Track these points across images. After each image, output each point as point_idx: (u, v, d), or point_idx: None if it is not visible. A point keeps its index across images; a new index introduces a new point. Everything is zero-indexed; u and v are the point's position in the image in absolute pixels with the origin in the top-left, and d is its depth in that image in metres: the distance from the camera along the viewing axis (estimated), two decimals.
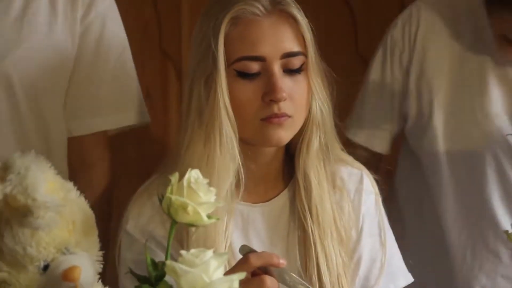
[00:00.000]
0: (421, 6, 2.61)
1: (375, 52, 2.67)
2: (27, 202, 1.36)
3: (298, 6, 1.91)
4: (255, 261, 1.57)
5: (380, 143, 2.66)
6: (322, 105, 1.90)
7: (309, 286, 1.66)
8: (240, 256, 1.70)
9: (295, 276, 1.64)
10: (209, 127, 1.84)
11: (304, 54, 1.87)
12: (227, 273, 1.50)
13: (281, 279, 1.61)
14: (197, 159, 1.82)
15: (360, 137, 2.65)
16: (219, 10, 1.87)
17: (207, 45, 1.84)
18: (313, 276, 1.85)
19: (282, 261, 1.61)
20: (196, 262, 1.25)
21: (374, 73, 2.65)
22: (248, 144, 1.87)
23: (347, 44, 3.28)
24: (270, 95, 1.79)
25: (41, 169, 1.43)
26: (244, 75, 1.83)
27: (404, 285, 2.04)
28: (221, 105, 1.81)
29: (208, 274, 1.24)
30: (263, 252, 1.66)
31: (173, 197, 1.36)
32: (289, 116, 1.82)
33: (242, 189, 1.88)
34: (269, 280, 1.57)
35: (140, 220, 1.88)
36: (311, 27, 1.90)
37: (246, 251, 1.65)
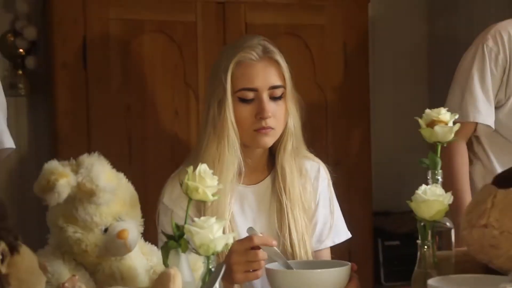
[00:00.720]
0: (501, 25, 2.83)
1: (467, 65, 2.86)
2: (92, 187, 1.62)
3: (281, 54, 2.22)
4: (257, 241, 1.88)
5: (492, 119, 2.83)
6: (294, 121, 2.23)
7: (283, 257, 1.93)
8: (244, 231, 2.02)
9: (275, 249, 1.92)
10: (220, 136, 2.15)
11: (284, 86, 2.19)
12: (235, 242, 1.82)
13: (267, 250, 1.90)
14: (211, 157, 2.13)
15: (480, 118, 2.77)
16: (228, 57, 2.19)
17: (219, 80, 2.15)
18: (286, 234, 2.15)
19: (274, 242, 1.94)
20: (204, 226, 1.54)
21: (476, 74, 2.78)
22: (246, 147, 2.20)
23: (304, 75, 3.46)
24: (260, 114, 2.13)
25: (101, 165, 1.69)
26: (244, 100, 2.15)
27: (344, 239, 2.36)
28: (228, 121, 2.13)
29: (212, 234, 1.53)
30: (263, 236, 1.93)
31: (189, 182, 1.64)
32: (273, 128, 2.15)
33: (243, 176, 2.20)
34: (261, 253, 1.88)
35: (172, 195, 2.16)
36: (289, 69, 2.21)
37: (252, 232, 1.92)
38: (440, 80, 4.19)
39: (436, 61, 4.32)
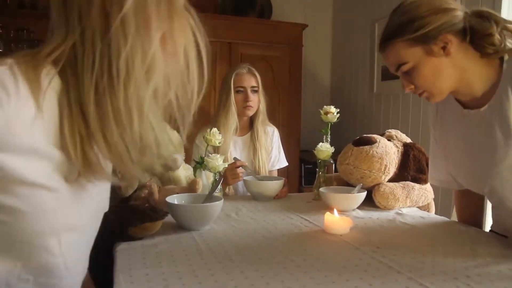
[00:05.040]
0: None
1: None
2: None
3: (256, 71, 2.18)
4: (238, 164, 1.91)
5: None
6: (262, 105, 2.18)
7: (253, 172, 1.93)
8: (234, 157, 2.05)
9: (249, 168, 1.95)
10: (227, 110, 2.11)
11: (258, 87, 2.16)
12: (229, 165, 1.87)
13: (244, 169, 1.93)
14: (222, 121, 2.10)
15: None
16: (231, 71, 2.17)
17: (228, 82, 2.13)
18: (256, 161, 2.16)
19: (246, 164, 1.94)
20: (213, 157, 1.59)
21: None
22: (239, 116, 2.13)
23: (268, 81, 3.17)
24: (246, 99, 2.12)
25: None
26: (238, 92, 2.12)
27: (284, 166, 2.31)
28: (232, 102, 2.10)
29: (217, 162, 1.59)
30: (242, 161, 1.93)
31: (207, 136, 1.71)
32: (252, 106, 2.13)
33: (237, 131, 2.15)
34: (240, 170, 1.91)
35: (199, 141, 2.08)
36: (260, 78, 2.19)
37: (236, 159, 1.94)
38: (338, 81, 4.23)
39: (336, 73, 4.28)
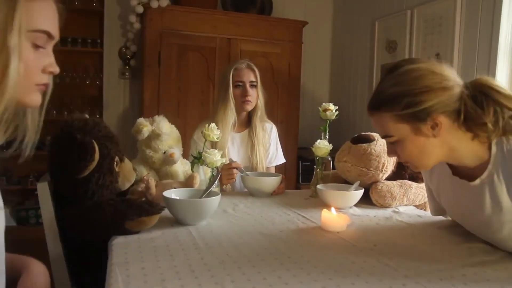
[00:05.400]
0: None
1: None
2: (159, 132, 1.66)
3: (255, 66, 2.14)
4: (234, 165, 1.85)
5: None
6: (261, 100, 2.14)
7: (244, 171, 1.84)
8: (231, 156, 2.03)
9: (244, 172, 1.85)
10: (225, 105, 2.06)
11: (256, 81, 2.11)
12: (224, 165, 1.82)
13: (240, 171, 1.86)
14: (220, 117, 2.05)
15: None
16: (230, 66, 2.12)
17: (226, 77, 2.08)
18: (253, 158, 2.11)
19: (241, 165, 1.88)
20: (211, 153, 1.56)
21: None
22: (237, 111, 2.08)
23: (268, 78, 3.34)
24: (245, 93, 2.06)
25: (164, 120, 1.71)
26: (237, 86, 2.07)
27: (282, 162, 2.28)
28: (230, 96, 2.06)
29: (215, 157, 1.56)
30: (236, 162, 1.88)
31: (205, 131, 1.67)
32: (251, 101, 2.08)
33: (235, 127, 2.11)
34: (234, 170, 1.85)
35: (197, 136, 2.04)
36: (259, 73, 2.14)
37: (231, 160, 1.90)
38: (337, 79, 4.23)
39: (335, 71, 4.28)
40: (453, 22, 2.71)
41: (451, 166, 1.19)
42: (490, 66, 2.45)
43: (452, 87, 1.05)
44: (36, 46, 0.77)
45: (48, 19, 0.78)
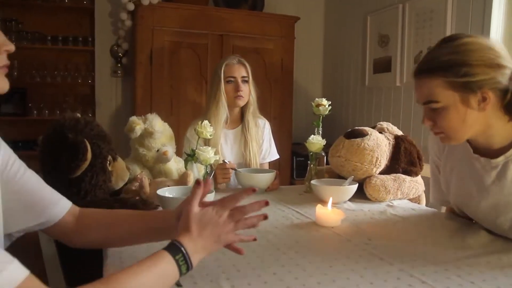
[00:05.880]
0: None
1: None
2: (152, 130, 1.65)
3: (247, 62, 2.14)
4: (228, 166, 1.84)
5: None
6: (253, 96, 2.14)
7: (239, 170, 1.84)
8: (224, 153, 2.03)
9: (239, 171, 1.83)
10: (217, 101, 2.05)
11: (248, 77, 2.11)
12: (218, 165, 1.82)
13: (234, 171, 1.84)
14: (213, 113, 2.05)
15: None
16: (221, 62, 2.12)
17: (218, 73, 2.08)
18: (247, 154, 2.11)
19: (234, 166, 1.87)
20: (204, 150, 1.57)
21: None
22: (230, 107, 2.09)
23: (260, 74, 3.37)
24: (237, 89, 2.06)
25: (156, 118, 1.70)
26: (229, 82, 2.07)
27: (275, 158, 2.28)
28: (222, 92, 2.05)
29: (208, 154, 1.57)
30: (231, 163, 1.86)
31: (198, 128, 1.67)
32: (243, 97, 2.07)
33: (228, 123, 2.11)
34: (230, 170, 1.84)
35: (191, 133, 2.04)
36: (250, 69, 2.14)
37: (227, 161, 1.88)
38: (330, 74, 4.22)
39: (328, 66, 4.28)
40: (445, 16, 2.71)
41: (471, 145, 1.21)
42: None
43: (505, 66, 1.07)
44: None
45: None
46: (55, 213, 0.94)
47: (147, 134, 1.66)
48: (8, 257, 0.62)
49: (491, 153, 1.16)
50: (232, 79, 2.10)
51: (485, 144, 1.17)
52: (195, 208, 0.84)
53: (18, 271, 0.61)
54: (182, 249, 0.77)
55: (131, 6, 3.31)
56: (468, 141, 1.21)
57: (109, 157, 1.38)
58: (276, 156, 2.30)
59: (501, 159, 1.14)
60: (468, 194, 1.25)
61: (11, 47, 0.78)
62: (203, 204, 0.86)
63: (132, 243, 0.96)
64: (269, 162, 2.29)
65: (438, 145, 1.37)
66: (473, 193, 1.22)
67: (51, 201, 0.93)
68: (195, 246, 0.79)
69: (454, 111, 1.10)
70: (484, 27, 2.44)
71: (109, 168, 1.38)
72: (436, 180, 1.42)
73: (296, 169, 3.67)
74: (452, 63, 1.07)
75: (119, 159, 1.47)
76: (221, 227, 0.84)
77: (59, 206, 0.95)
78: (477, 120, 1.10)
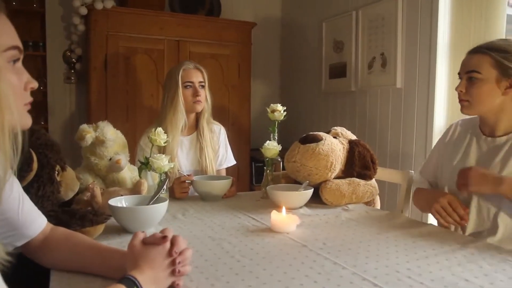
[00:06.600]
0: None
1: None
2: (103, 139, 1.60)
3: (203, 67, 2.13)
4: (183, 179, 1.80)
5: None
6: (209, 101, 2.13)
7: (195, 178, 1.81)
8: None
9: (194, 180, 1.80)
10: (175, 106, 2.03)
11: (204, 82, 2.10)
12: (175, 179, 1.80)
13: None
14: (169, 119, 2.03)
15: None
16: (178, 67, 2.10)
17: (174, 78, 2.05)
18: (203, 161, 2.09)
19: (192, 177, 1.81)
20: (158, 158, 1.54)
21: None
22: (187, 112, 2.07)
23: (218, 80, 3.33)
24: (196, 94, 2.05)
25: (108, 126, 1.65)
26: (186, 87, 2.05)
27: (232, 164, 2.26)
28: (180, 98, 2.03)
29: (162, 162, 1.54)
30: (189, 175, 1.83)
31: (152, 136, 1.65)
32: (201, 101, 2.06)
33: (184, 130, 2.08)
34: (187, 183, 1.80)
35: (144, 141, 2.00)
36: (207, 74, 2.13)
37: (181, 174, 1.87)
38: (287, 80, 4.26)
39: (285, 71, 4.32)
40: (395, 23, 2.78)
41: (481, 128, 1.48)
42: (431, 64, 2.53)
43: None
44: (13, 65, 0.76)
45: (11, 33, 0.77)
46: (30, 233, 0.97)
47: (99, 142, 1.61)
48: None
49: (496, 135, 1.42)
50: (190, 84, 2.09)
51: (493, 124, 1.41)
52: (139, 244, 0.86)
53: None
54: (136, 282, 0.78)
55: (84, 11, 3.23)
56: (479, 122, 1.48)
57: (57, 167, 1.33)
58: (233, 162, 2.29)
59: (503, 138, 1.39)
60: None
61: (35, 85, 0.80)
62: (143, 242, 0.87)
63: (89, 272, 0.95)
64: (227, 168, 2.28)
65: (448, 135, 1.61)
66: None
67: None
68: (148, 279, 0.80)
69: (487, 85, 1.35)
70: (432, 33, 2.52)
71: (58, 178, 1.33)
72: (430, 161, 1.66)
73: (255, 174, 3.68)
74: (505, 49, 1.33)
75: (69, 169, 1.42)
76: (169, 258, 0.85)
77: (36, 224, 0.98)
78: (496, 99, 1.35)
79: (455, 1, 2.45)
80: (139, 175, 1.62)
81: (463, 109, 1.44)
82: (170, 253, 0.85)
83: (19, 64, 0.78)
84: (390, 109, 2.89)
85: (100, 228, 1.20)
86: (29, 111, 0.82)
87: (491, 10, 2.25)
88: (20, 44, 0.77)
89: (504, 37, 2.13)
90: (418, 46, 2.64)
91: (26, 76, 0.79)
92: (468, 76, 1.39)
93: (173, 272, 0.85)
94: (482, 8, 2.30)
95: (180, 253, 0.87)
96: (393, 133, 2.86)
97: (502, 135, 1.41)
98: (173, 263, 0.85)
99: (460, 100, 1.43)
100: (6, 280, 0.69)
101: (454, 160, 1.51)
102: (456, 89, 1.43)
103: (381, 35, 2.93)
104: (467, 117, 1.56)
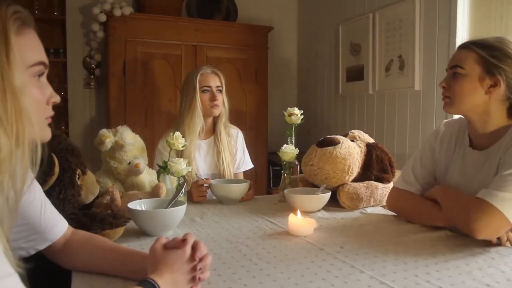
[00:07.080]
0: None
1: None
2: (122, 143, 1.62)
3: (221, 72, 2.15)
4: (200, 182, 1.80)
5: None
6: (227, 106, 2.15)
7: (213, 181, 1.83)
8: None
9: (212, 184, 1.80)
10: (192, 111, 2.05)
11: (222, 86, 2.13)
12: (193, 183, 1.81)
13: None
14: (187, 124, 2.05)
15: None
16: (195, 72, 2.13)
17: (192, 82, 2.08)
18: (220, 164, 2.10)
19: (210, 181, 1.82)
20: (176, 162, 1.55)
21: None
22: (205, 116, 2.09)
23: (235, 84, 3.43)
24: (213, 98, 2.07)
25: (127, 131, 1.67)
26: (204, 91, 2.08)
27: (250, 168, 2.27)
28: (197, 102, 2.06)
29: (180, 166, 1.55)
30: (208, 179, 1.83)
31: (170, 140, 1.65)
32: (218, 106, 2.08)
33: (201, 134, 2.10)
34: (204, 187, 1.80)
35: (162, 145, 2.02)
36: (224, 79, 2.15)
37: (200, 176, 1.88)
38: (304, 83, 4.26)
39: (302, 75, 4.31)
40: (413, 24, 2.76)
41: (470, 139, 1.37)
42: None
43: None
44: (38, 79, 0.77)
45: (38, 49, 0.78)
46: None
47: (118, 147, 1.63)
48: (8, 270, 0.61)
49: (484, 145, 1.31)
50: (207, 88, 2.10)
51: (481, 130, 1.31)
52: (160, 248, 0.87)
53: (14, 285, 0.61)
54: (156, 285, 0.78)
55: (103, 18, 3.29)
56: (468, 131, 1.37)
57: (78, 171, 1.35)
58: (251, 165, 2.30)
59: (484, 151, 1.29)
60: (456, 181, 1.38)
61: (58, 99, 0.82)
62: (165, 246, 0.88)
63: (110, 274, 0.97)
64: (245, 172, 2.29)
65: (441, 140, 1.46)
66: (461, 180, 1.35)
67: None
68: (167, 282, 0.80)
69: (469, 81, 1.27)
70: (450, 34, 2.50)
71: (78, 182, 1.36)
72: (423, 167, 1.48)
73: (273, 178, 3.69)
74: (493, 45, 1.25)
75: (89, 173, 1.44)
76: (189, 263, 0.86)
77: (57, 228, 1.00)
78: (479, 98, 1.27)
79: (474, 2, 2.42)
80: (158, 179, 1.63)
81: (445, 106, 1.36)
82: (192, 258, 0.85)
83: (44, 78, 0.80)
84: (408, 112, 2.87)
85: (120, 231, 1.22)
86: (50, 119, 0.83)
87: (511, 11, 2.21)
88: (46, 60, 0.79)
89: None
90: (437, 48, 2.61)
91: (49, 91, 0.81)
92: (452, 71, 1.32)
93: (193, 279, 0.85)
94: (503, 9, 2.27)
95: (201, 259, 0.87)
96: (411, 136, 2.83)
97: (490, 145, 1.29)
98: (194, 269, 0.85)
99: (443, 97, 1.36)
100: (27, 280, 0.70)
101: (446, 175, 1.42)
102: (440, 84, 1.36)
103: (398, 37, 2.91)
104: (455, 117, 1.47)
